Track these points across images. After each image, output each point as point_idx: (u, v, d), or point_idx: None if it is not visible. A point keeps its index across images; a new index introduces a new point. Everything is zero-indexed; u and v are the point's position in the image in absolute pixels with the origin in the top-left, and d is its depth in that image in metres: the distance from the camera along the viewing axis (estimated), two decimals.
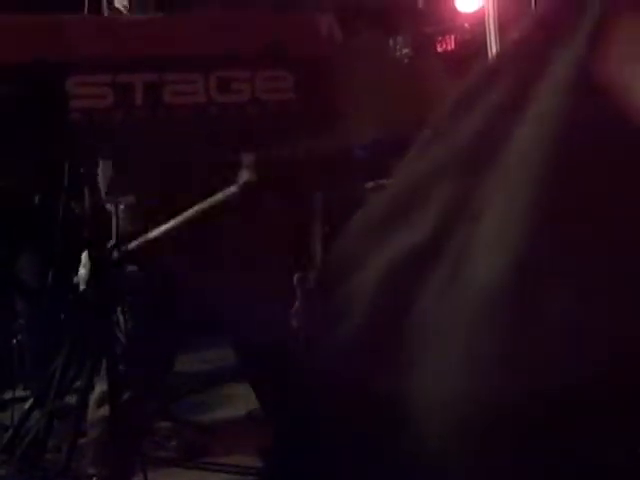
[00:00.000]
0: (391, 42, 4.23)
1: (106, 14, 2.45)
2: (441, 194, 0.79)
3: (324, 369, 0.86)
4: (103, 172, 2.46)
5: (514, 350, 0.69)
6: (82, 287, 2.72)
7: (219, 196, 2.22)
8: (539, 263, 0.68)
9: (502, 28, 3.73)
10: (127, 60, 1.82)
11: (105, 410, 2.87)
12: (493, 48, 3.74)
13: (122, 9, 2.36)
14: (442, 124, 0.84)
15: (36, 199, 3.48)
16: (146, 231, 2.54)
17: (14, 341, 4.01)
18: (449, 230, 0.76)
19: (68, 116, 1.79)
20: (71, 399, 3.52)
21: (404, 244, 0.77)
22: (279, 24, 1.94)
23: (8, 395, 3.79)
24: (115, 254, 2.63)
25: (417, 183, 0.81)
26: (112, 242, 2.60)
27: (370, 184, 3.30)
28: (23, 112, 1.78)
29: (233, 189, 2.17)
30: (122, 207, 2.72)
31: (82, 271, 2.74)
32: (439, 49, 4.34)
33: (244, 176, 2.24)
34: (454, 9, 4.13)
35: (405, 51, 4.19)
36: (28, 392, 3.86)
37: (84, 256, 2.66)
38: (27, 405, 3.67)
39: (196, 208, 2.25)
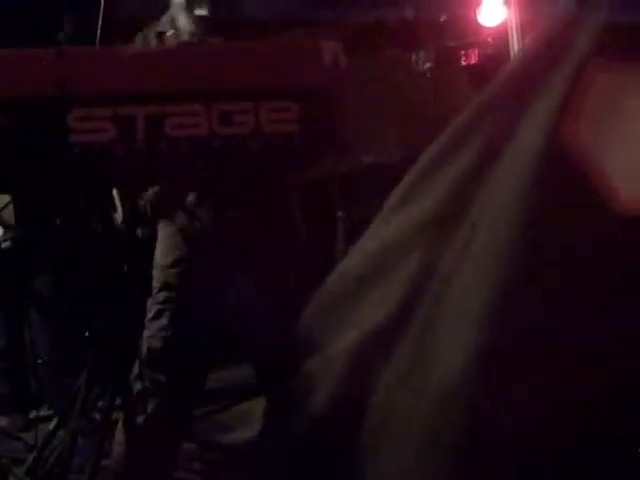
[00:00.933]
0: (414, 57, 4.20)
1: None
2: (410, 259, 0.76)
3: (295, 436, 0.84)
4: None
5: (468, 462, 0.65)
6: None
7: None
8: (502, 352, 0.65)
9: (525, 41, 3.68)
10: (128, 93, 1.81)
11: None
12: None
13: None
14: (411, 186, 0.81)
15: (57, 220, 3.49)
16: None
17: (38, 361, 4.04)
18: (418, 296, 0.74)
19: (69, 150, 1.79)
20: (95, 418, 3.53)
21: (372, 318, 0.74)
22: (282, 54, 1.92)
23: (32, 415, 3.82)
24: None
25: (385, 250, 0.79)
26: None
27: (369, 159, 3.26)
28: (24, 146, 1.78)
29: None
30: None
31: None
32: (462, 63, 4.29)
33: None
34: (477, 23, 4.08)
35: (428, 65, 4.14)
36: (52, 412, 3.88)
37: None
38: (52, 425, 3.69)
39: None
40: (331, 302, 0.84)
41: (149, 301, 2.90)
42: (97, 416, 3.44)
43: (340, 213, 3.61)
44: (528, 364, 0.66)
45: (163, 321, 2.85)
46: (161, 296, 2.85)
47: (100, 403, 3.41)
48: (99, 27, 2.23)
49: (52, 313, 3.93)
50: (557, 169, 0.67)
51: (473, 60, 4.35)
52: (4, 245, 3.62)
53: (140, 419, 2.83)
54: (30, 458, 3.63)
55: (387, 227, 0.82)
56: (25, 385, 4.04)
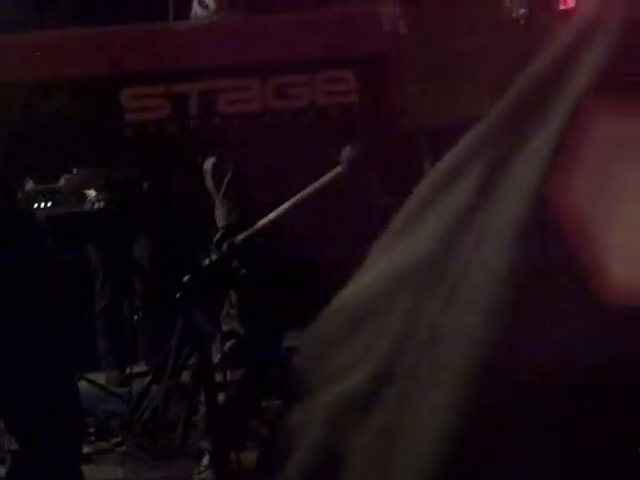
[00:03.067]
0: (507, 2, 4.01)
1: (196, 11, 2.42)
2: (397, 307, 0.71)
3: None
4: None
5: None
6: None
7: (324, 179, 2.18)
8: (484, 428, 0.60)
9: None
10: (181, 70, 1.78)
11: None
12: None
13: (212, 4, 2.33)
14: (408, 217, 0.75)
15: (144, 185, 3.54)
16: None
17: (135, 318, 4.15)
18: (400, 354, 0.69)
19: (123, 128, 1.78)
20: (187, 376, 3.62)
21: (355, 373, 0.70)
22: (338, 23, 1.85)
23: (128, 371, 3.93)
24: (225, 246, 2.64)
25: (374, 293, 0.74)
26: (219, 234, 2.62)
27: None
28: (79, 125, 1.78)
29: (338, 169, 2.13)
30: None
31: None
32: (561, 7, 4.07)
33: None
34: None
35: (522, 11, 3.95)
36: (147, 368, 3.99)
37: None
38: (146, 381, 3.80)
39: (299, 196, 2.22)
40: (324, 341, 0.80)
41: None
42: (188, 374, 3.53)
43: (427, 166, 3.52)
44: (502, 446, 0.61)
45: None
46: None
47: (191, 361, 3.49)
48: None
49: (146, 274, 4.01)
50: (545, 228, 0.60)
51: (572, 3, 4.12)
52: (97, 206, 3.70)
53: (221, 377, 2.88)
54: (126, 413, 3.77)
55: (381, 262, 0.77)
56: (122, 342, 4.16)
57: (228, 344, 3.03)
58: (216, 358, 2.89)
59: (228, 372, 2.99)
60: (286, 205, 2.26)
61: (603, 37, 0.62)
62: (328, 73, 1.83)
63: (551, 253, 0.62)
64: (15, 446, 2.17)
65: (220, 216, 2.79)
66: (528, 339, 0.61)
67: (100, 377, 4.07)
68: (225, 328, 3.01)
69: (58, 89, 1.72)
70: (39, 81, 1.72)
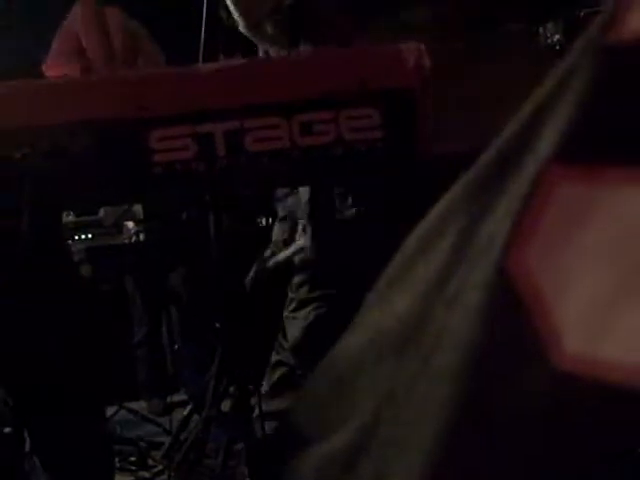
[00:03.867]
0: (540, 30, 3.99)
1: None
2: (379, 375, 0.72)
3: None
4: None
5: None
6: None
7: None
8: None
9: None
10: (206, 110, 1.81)
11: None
12: None
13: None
14: (392, 276, 0.76)
15: (184, 215, 3.59)
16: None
17: (174, 346, 4.18)
18: (376, 421, 0.69)
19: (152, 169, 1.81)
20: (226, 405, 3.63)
21: (342, 433, 0.70)
22: (362, 59, 1.86)
23: (169, 399, 3.96)
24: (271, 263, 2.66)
25: (358, 359, 0.74)
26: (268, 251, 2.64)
27: None
28: (108, 165, 1.82)
29: None
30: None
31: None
32: None
33: None
34: None
35: (556, 37, 3.94)
36: (187, 397, 4.01)
37: None
38: (186, 411, 3.82)
39: None
40: (316, 398, 0.80)
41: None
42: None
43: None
44: None
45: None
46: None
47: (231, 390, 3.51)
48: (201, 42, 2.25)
49: (185, 305, 4.05)
50: (503, 299, 0.60)
51: None
52: (135, 239, 3.75)
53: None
54: (167, 442, 3.79)
55: (368, 319, 0.78)
56: (162, 371, 4.19)
57: (277, 373, 3.04)
58: (265, 387, 2.90)
59: (276, 401, 2.99)
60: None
61: (572, 97, 0.62)
62: (354, 110, 1.84)
63: (512, 321, 0.62)
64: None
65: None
66: (492, 406, 0.61)
67: (140, 406, 4.11)
68: (275, 358, 3.01)
69: (91, 131, 1.76)
70: (74, 123, 1.77)
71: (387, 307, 0.76)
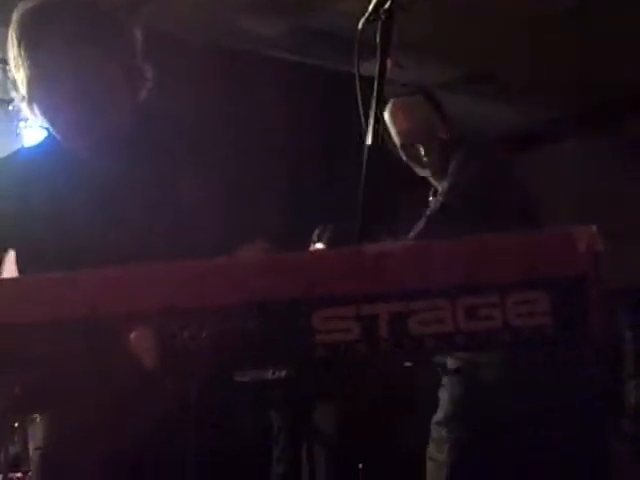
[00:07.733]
0: None
1: None
2: None
3: None
4: None
5: None
6: None
7: None
8: None
9: None
10: (371, 292, 1.80)
11: None
12: None
13: None
14: None
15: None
16: None
17: None
18: None
19: (315, 350, 1.81)
20: None
21: None
22: (532, 242, 1.82)
23: None
24: None
25: None
26: None
27: None
28: (271, 347, 1.82)
29: None
30: None
31: None
32: None
33: None
34: None
35: None
36: None
37: None
38: None
39: None
40: None
41: None
42: None
43: None
44: None
45: None
46: None
47: None
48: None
49: (331, 444, 4.00)
50: None
51: None
52: (279, 374, 3.76)
53: None
54: None
55: None
56: None
57: None
58: None
59: None
60: None
61: None
62: (522, 295, 1.79)
63: None
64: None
65: None
66: None
67: None
68: None
69: (256, 311, 1.78)
70: (242, 303, 1.80)
71: None
